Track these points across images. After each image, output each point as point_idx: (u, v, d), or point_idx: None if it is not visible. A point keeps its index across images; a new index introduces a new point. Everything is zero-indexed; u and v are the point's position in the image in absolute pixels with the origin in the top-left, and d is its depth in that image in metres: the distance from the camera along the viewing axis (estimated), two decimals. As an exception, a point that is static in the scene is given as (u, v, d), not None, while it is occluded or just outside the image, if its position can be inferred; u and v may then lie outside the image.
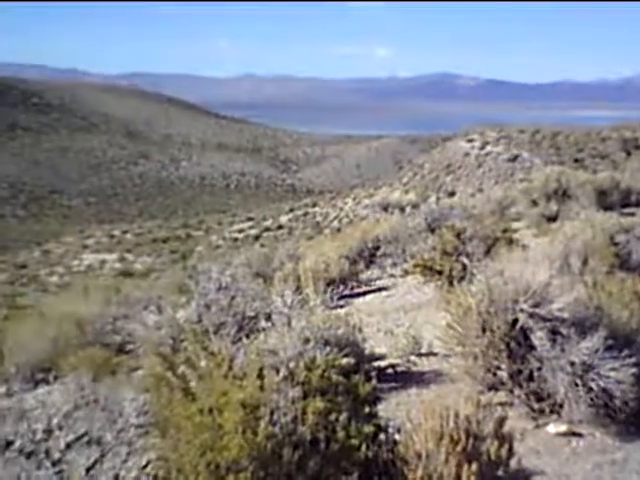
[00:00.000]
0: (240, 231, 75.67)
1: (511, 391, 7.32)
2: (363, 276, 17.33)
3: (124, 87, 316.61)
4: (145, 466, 4.37)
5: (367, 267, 18.41)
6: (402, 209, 23.66)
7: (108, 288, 14.80)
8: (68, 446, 4.36)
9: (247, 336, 8.14)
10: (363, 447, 5.02)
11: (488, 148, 79.75)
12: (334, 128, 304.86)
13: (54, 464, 4.18)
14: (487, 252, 12.76)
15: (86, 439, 4.49)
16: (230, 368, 5.05)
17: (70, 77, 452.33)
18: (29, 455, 4.21)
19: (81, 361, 7.70)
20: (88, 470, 4.16)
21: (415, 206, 24.03)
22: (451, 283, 11.86)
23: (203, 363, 5.12)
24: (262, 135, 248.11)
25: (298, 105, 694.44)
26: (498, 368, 7.33)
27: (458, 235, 13.25)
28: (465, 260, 12.42)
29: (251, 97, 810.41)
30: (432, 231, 17.54)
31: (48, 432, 4.49)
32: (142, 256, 70.15)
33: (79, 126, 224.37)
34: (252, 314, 9.96)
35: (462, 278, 11.39)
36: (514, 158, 75.32)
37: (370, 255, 18.77)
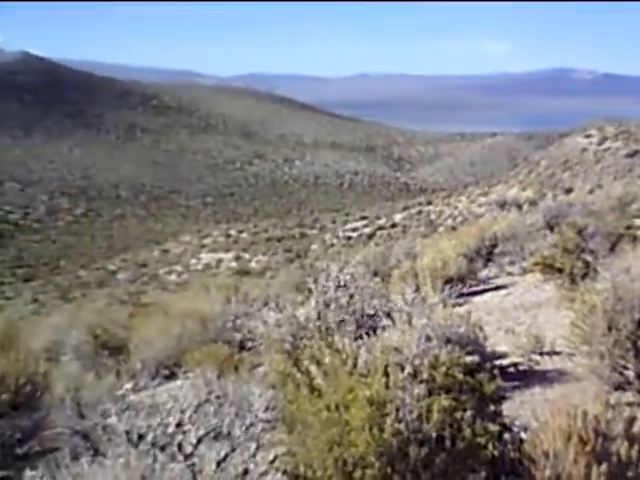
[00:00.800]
0: (354, 230, 75.78)
1: (639, 391, 7.12)
2: (481, 274, 17.15)
3: (239, 88, 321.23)
4: (273, 460, 4.43)
5: (485, 265, 18.20)
6: (519, 206, 23.30)
7: (227, 286, 15.03)
8: (199, 440, 4.46)
9: (367, 334, 8.14)
10: (489, 445, 4.97)
11: (607, 144, 77.72)
12: (447, 126, 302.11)
13: (186, 457, 4.28)
14: (611, 249, 12.44)
15: (216, 433, 4.59)
16: (355, 365, 5.07)
17: (187, 79, 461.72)
18: (162, 448, 4.32)
19: (205, 357, 7.86)
20: (219, 464, 4.24)
21: (532, 203, 23.64)
22: (573, 281, 11.61)
23: (328, 360, 5.15)
24: (375, 134, 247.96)
25: (411, 103, 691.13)
26: (625, 367, 7.14)
27: (579, 232, 12.96)
28: (588, 257, 12.13)
29: (364, 96, 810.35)
30: (551, 229, 17.23)
31: (180, 426, 4.60)
32: (257, 255, 71.07)
33: (196, 127, 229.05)
34: (371, 312, 9.97)
35: (584, 276, 11.14)
36: (634, 153, 73.21)
37: (488, 253, 18.55)
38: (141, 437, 4.55)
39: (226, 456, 4.32)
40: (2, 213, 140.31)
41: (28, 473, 4.41)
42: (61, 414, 5.79)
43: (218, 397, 5.14)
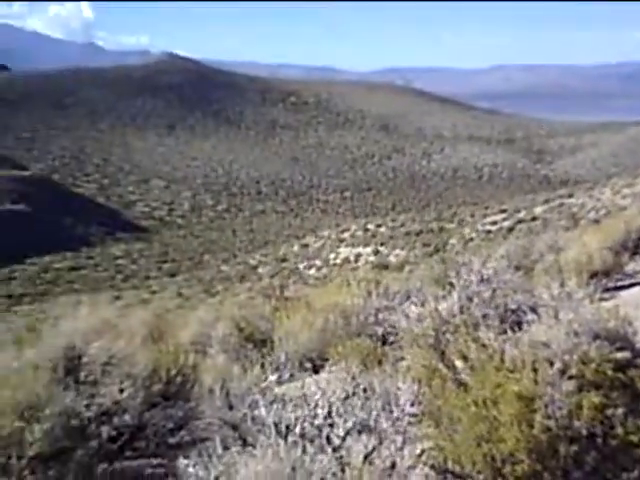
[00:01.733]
0: (493, 223, 74.59)
1: None
2: (627, 268, 16.59)
3: (377, 83, 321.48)
4: (420, 455, 4.42)
5: (631, 259, 17.59)
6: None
7: (367, 280, 15.04)
8: (347, 433, 4.49)
9: (511, 329, 7.99)
10: (643, 444, 4.80)
11: None
12: (588, 116, 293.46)
13: (334, 450, 4.32)
14: None
15: (363, 427, 4.61)
16: (502, 360, 4.99)
17: (326, 75, 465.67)
18: (310, 440, 4.38)
19: (349, 351, 7.90)
20: (366, 457, 4.26)
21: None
22: None
23: (474, 355, 5.09)
24: (515, 126, 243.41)
25: (550, 94, 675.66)
26: None
27: None
28: None
29: (502, 87, 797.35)
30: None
31: (327, 418, 4.65)
32: (396, 249, 70.95)
33: (335, 123, 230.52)
34: (514, 307, 9.77)
35: None
36: None
37: (634, 246, 17.93)
38: (289, 428, 4.62)
39: (373, 449, 4.33)
40: (148, 209, 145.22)
41: (182, 461, 4.55)
42: (211, 405, 5.94)
43: (365, 390, 5.16)
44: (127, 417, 6.12)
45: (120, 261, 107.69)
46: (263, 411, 4.89)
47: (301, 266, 73.69)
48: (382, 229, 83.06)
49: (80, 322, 6.60)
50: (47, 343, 6.48)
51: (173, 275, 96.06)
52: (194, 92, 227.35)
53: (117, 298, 61.44)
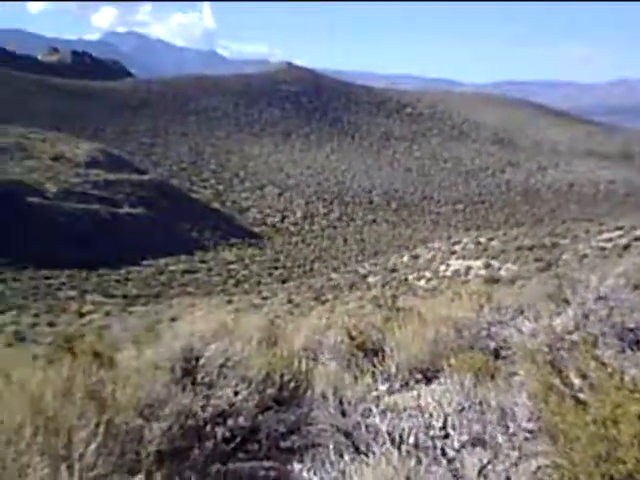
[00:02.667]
0: (608, 240, 72.63)
1: None
2: None
3: (493, 95, 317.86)
4: (536, 471, 4.36)
5: None
6: None
7: (478, 294, 14.86)
8: (462, 445, 4.47)
9: (630, 348, 7.81)
10: None
11: None
12: None
13: (449, 462, 4.30)
14: None
15: (477, 440, 4.58)
16: (621, 379, 4.87)
17: (442, 87, 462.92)
18: (424, 451, 4.37)
19: (461, 363, 7.84)
20: (480, 470, 4.23)
21: None
22: None
23: (593, 373, 4.99)
24: (634, 141, 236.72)
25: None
26: None
27: None
28: None
29: (622, 102, 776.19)
30: None
31: (442, 430, 4.64)
32: (507, 263, 69.87)
33: (450, 135, 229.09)
34: (632, 325, 9.54)
35: None
36: None
37: None
38: (402, 438, 4.63)
39: (488, 463, 4.30)
40: (261, 216, 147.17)
41: (296, 466, 4.61)
42: (324, 411, 5.98)
43: (480, 404, 5.12)
44: (241, 419, 6.23)
45: (232, 266, 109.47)
46: (377, 419, 4.91)
47: (411, 277, 73.29)
48: (494, 242, 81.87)
49: (198, 324, 6.75)
50: (165, 344, 6.66)
51: (284, 281, 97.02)
52: (311, 101, 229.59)
53: (229, 302, 62.49)
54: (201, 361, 6.33)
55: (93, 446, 3.37)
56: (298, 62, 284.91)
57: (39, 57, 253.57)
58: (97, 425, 3.53)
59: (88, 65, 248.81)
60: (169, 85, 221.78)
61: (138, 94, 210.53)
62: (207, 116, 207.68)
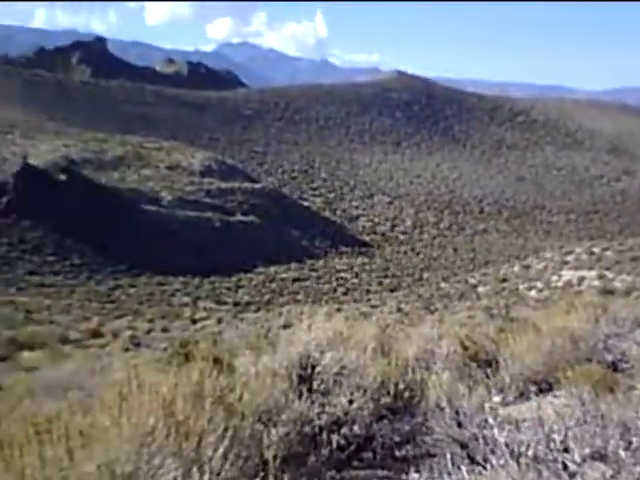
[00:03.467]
0: None
1: None
2: None
3: (609, 102, 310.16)
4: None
5: None
6: None
7: (594, 305, 14.55)
8: (583, 460, 4.40)
9: None
10: None
11: None
12: None
13: (571, 476, 4.24)
14: None
15: (599, 455, 4.50)
16: None
17: (556, 94, 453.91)
18: (545, 464, 4.32)
19: (579, 376, 7.70)
20: (602, 485, 4.17)
21: None
22: None
23: None
24: None
25: None
26: None
27: None
28: None
29: None
30: None
31: (562, 443, 4.58)
32: (622, 274, 68.11)
33: (563, 143, 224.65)
34: None
35: None
36: None
37: None
38: (521, 450, 4.59)
39: (611, 478, 4.23)
40: (371, 224, 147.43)
41: (413, 475, 4.63)
42: (439, 421, 5.97)
43: (601, 417, 5.04)
44: (356, 428, 6.27)
45: (342, 274, 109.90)
46: (495, 431, 4.89)
47: (521, 287, 72.25)
48: (608, 253, 79.84)
49: (313, 332, 6.84)
50: (282, 351, 6.76)
51: (393, 290, 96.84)
52: (421, 110, 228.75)
53: (338, 310, 62.71)
54: (317, 369, 6.40)
55: (221, 450, 3.48)
56: (409, 70, 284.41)
57: (157, 68, 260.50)
58: (225, 430, 3.63)
59: (203, 75, 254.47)
60: (281, 94, 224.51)
61: (251, 104, 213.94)
62: (318, 125, 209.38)
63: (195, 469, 3.19)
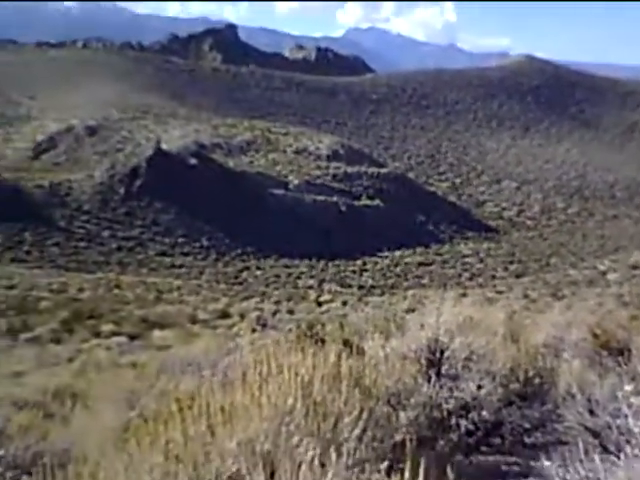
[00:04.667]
0: None
1: None
2: None
3: None
4: None
5: None
6: None
7: None
8: None
9: None
10: None
11: None
12: None
13: None
14: None
15: None
16: None
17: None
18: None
19: None
20: None
21: None
22: None
23: None
24: None
25: None
26: None
27: None
28: None
29: None
30: None
31: None
32: None
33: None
34: None
35: None
36: None
37: None
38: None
39: None
40: (498, 210, 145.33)
41: (544, 463, 4.60)
42: (571, 409, 5.90)
43: None
44: (484, 413, 6.26)
45: (467, 259, 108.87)
46: (630, 420, 4.80)
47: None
48: None
49: (443, 317, 6.84)
50: (411, 335, 6.79)
51: (519, 276, 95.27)
52: (551, 95, 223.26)
53: (463, 295, 62.15)
54: (446, 353, 6.42)
55: (357, 431, 3.56)
56: (540, 55, 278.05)
57: (286, 54, 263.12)
58: (361, 411, 3.71)
59: (331, 61, 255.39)
60: (408, 80, 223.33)
61: (378, 89, 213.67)
62: (445, 110, 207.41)
63: (332, 449, 3.27)
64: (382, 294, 77.74)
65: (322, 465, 3.20)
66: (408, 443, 3.78)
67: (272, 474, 3.28)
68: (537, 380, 6.76)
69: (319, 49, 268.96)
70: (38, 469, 3.82)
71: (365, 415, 3.70)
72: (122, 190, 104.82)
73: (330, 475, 3.13)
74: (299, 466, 3.20)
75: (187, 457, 3.32)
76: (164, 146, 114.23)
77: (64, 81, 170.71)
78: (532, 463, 5.76)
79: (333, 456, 3.19)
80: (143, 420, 4.05)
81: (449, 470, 3.43)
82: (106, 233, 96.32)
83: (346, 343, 6.54)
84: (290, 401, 3.56)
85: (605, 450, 5.18)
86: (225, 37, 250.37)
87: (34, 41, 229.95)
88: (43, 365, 20.50)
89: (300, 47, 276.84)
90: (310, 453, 3.26)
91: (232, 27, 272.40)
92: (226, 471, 3.28)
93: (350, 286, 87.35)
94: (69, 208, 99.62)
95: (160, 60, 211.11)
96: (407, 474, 3.13)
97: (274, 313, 48.47)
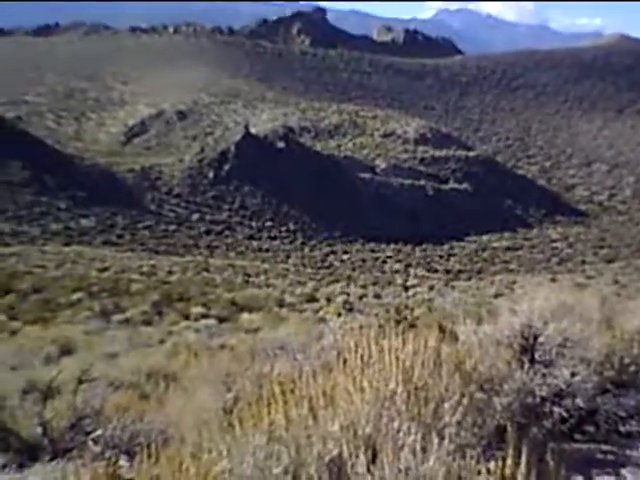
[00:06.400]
0: None
1: None
2: None
3: None
4: None
5: None
6: None
7: None
8: None
9: None
10: None
11: None
12: None
13: None
14: None
15: None
16: None
17: None
18: None
19: None
20: None
21: None
22: None
23: None
24: None
25: None
26: None
27: None
28: None
29: None
30: None
31: None
32: None
33: None
34: None
35: None
36: None
37: None
38: None
39: None
40: (588, 193, 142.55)
41: (641, 452, 4.56)
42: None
43: None
44: (578, 400, 6.20)
45: (556, 244, 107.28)
46: None
47: None
48: None
49: (536, 302, 6.79)
50: (504, 320, 6.76)
51: (610, 261, 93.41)
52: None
53: (552, 281, 61.26)
54: (540, 339, 6.37)
55: (457, 416, 3.59)
56: (635, 34, 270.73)
57: (374, 37, 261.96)
58: (461, 396, 3.74)
59: (419, 43, 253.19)
60: (498, 61, 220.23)
61: (467, 71, 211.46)
62: (536, 92, 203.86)
63: (434, 434, 3.31)
64: (469, 279, 77.26)
65: (423, 450, 3.24)
66: (509, 428, 3.78)
67: (374, 458, 3.33)
68: (633, 368, 6.66)
69: (407, 31, 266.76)
70: (139, 449, 3.93)
71: (465, 401, 3.73)
72: (211, 174, 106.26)
73: (432, 460, 3.17)
74: (401, 450, 3.24)
75: (289, 440, 3.39)
76: (252, 130, 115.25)
77: (155, 66, 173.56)
78: (627, 452, 5.70)
79: (435, 440, 3.23)
80: (247, 403, 4.14)
81: (549, 456, 3.44)
82: (195, 217, 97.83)
83: (440, 328, 6.55)
84: (391, 385, 3.61)
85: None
86: (314, 20, 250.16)
87: (127, 26, 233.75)
88: (135, 347, 20.91)
89: (388, 29, 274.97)
90: (411, 437, 3.30)
91: (321, 10, 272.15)
92: (328, 454, 3.34)
93: (437, 271, 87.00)
94: (159, 192, 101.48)
95: (249, 44, 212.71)
96: (509, 460, 3.15)
97: (360, 297, 48.56)
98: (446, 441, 3.23)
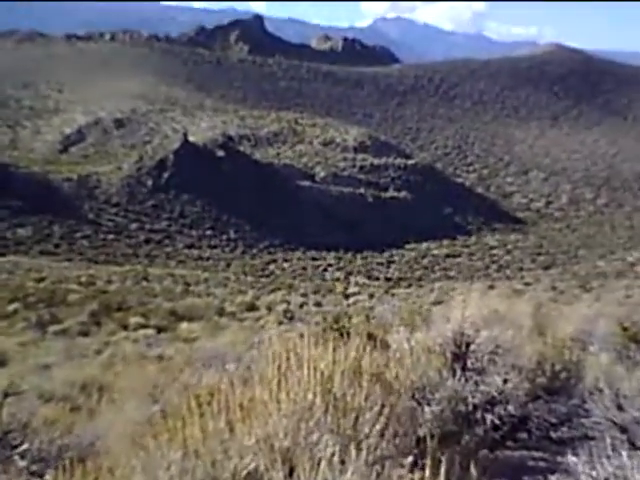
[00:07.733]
0: None
1: None
2: None
3: None
4: None
5: None
6: None
7: None
8: None
9: None
10: None
11: None
12: None
13: None
14: None
15: None
16: None
17: None
18: None
19: None
20: None
21: None
22: None
23: None
24: None
25: None
26: None
27: None
28: None
29: None
30: None
31: None
32: None
33: None
34: None
35: None
36: None
37: None
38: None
39: None
40: (526, 201, 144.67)
41: (570, 458, 4.53)
42: (598, 404, 5.82)
43: None
44: (511, 407, 6.19)
45: (495, 251, 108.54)
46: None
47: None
48: None
49: (468, 309, 6.76)
50: (436, 328, 6.73)
51: (547, 268, 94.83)
52: (580, 84, 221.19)
53: (490, 288, 61.91)
54: (472, 347, 6.35)
55: (378, 427, 3.51)
56: (569, 43, 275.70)
57: (312, 45, 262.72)
58: (382, 407, 3.66)
59: (357, 52, 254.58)
60: (435, 70, 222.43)
61: (405, 79, 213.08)
62: (473, 100, 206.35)
63: (352, 446, 3.23)
64: (409, 286, 77.62)
65: (342, 462, 3.16)
66: (429, 439, 3.72)
67: (291, 471, 3.24)
68: (564, 374, 6.69)
69: (346, 40, 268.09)
70: (60, 463, 3.80)
71: (386, 410, 3.66)
72: (150, 183, 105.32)
73: (350, 472, 3.09)
74: (318, 463, 3.16)
75: (205, 454, 3.29)
76: (191, 138, 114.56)
77: (92, 74, 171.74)
78: (559, 458, 5.69)
79: (353, 453, 3.15)
80: (162, 416, 4.03)
81: (472, 466, 3.38)
82: (134, 226, 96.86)
83: (370, 336, 6.48)
84: (309, 397, 3.52)
85: (633, 446, 5.11)
86: (252, 28, 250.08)
87: (62, 34, 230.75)
88: (71, 358, 20.63)
89: (327, 38, 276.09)
90: (330, 450, 3.22)
91: (259, 18, 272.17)
92: (244, 468, 3.25)
93: (377, 278, 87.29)
94: (97, 201, 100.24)
95: (187, 52, 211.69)
96: (428, 471, 3.08)
97: (301, 306, 48.44)
98: (364, 453, 3.16)
